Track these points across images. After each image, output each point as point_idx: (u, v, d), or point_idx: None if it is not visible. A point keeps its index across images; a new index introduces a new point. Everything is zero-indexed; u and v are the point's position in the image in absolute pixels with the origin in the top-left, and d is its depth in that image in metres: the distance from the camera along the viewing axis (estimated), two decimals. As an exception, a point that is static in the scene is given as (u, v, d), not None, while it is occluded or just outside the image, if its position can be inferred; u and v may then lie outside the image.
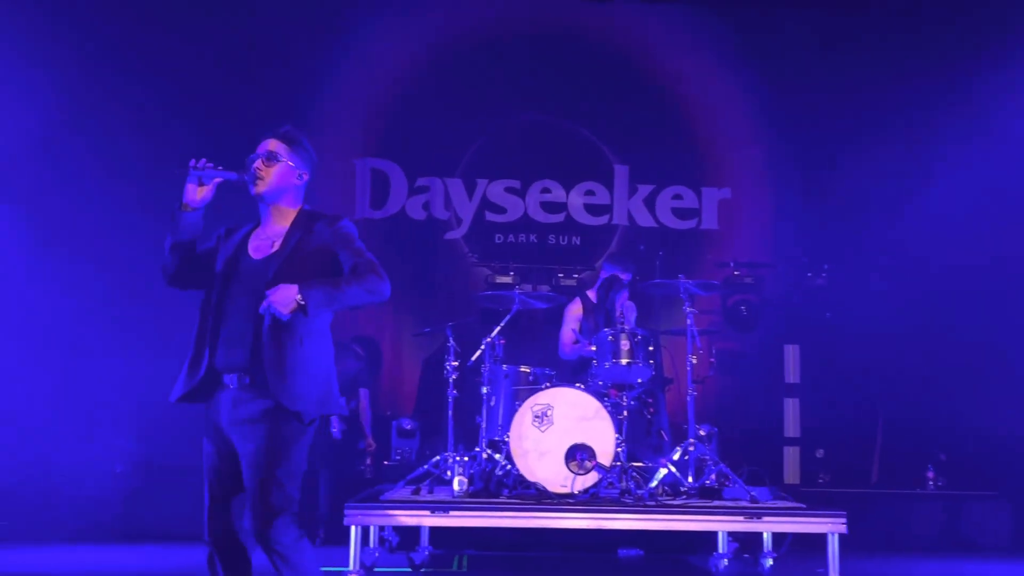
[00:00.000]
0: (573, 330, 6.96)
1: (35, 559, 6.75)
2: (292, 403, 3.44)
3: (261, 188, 3.68)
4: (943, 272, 8.54)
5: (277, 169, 3.69)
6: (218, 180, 3.63)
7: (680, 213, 9.45)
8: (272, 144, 3.73)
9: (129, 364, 7.93)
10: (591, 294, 7.17)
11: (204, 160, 3.62)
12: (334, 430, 7.41)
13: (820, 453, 8.66)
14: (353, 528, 5.20)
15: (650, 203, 9.44)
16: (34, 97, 8.01)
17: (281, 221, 3.70)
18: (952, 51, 8.78)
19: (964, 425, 8.25)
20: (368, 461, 7.89)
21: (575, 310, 7.13)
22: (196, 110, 8.46)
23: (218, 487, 3.54)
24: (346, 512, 5.20)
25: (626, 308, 6.78)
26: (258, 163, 3.68)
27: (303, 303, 3.39)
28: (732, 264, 8.92)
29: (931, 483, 8.20)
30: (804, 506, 5.61)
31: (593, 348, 6.24)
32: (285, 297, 3.39)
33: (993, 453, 8.16)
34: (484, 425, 6.23)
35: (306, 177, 3.77)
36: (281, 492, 3.42)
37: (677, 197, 9.46)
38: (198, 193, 3.64)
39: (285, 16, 8.92)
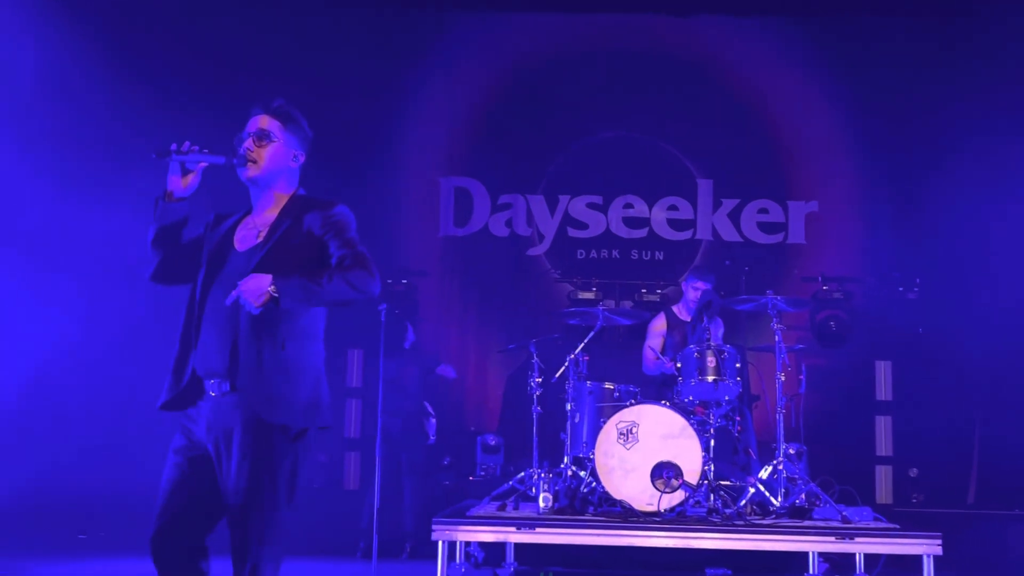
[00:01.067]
0: (651, 347, 6.93)
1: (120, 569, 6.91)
2: (271, 414, 3.04)
3: (253, 172, 3.26)
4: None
5: (270, 150, 3.27)
6: (203, 165, 3.21)
7: (766, 227, 9.33)
8: (263, 121, 3.30)
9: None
10: (676, 309, 7.13)
11: (188, 143, 3.20)
12: (432, 437, 7.48)
13: (914, 472, 8.43)
14: (440, 543, 5.25)
15: (735, 217, 9.34)
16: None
17: (273, 208, 3.30)
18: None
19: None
20: (446, 461, 7.94)
21: (659, 326, 7.10)
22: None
23: (186, 504, 3.07)
24: (434, 527, 5.25)
25: (713, 324, 6.72)
26: (248, 143, 3.26)
27: (275, 295, 2.98)
28: (820, 279, 8.75)
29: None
30: (898, 527, 5.48)
31: (678, 365, 6.20)
32: (256, 288, 2.98)
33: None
34: (568, 442, 6.24)
35: (302, 158, 3.37)
36: (262, 521, 3.01)
37: (763, 211, 9.35)
38: (183, 181, 3.22)
39: (371, 37, 9.10)
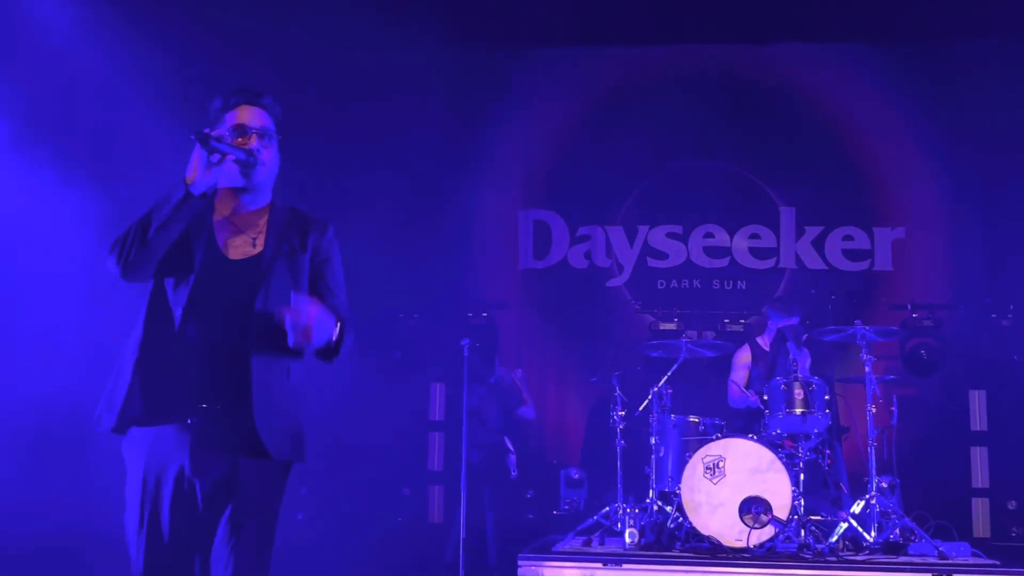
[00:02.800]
0: (735, 381, 6.85)
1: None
2: (277, 447, 2.78)
3: (261, 175, 2.90)
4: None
5: (272, 149, 2.93)
6: (230, 158, 2.81)
7: (851, 254, 9.16)
8: (259, 116, 2.93)
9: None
10: (760, 341, 7.03)
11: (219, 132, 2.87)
12: (513, 472, 7.49)
13: (1012, 505, 8.12)
14: (526, 579, 5.25)
15: (819, 245, 9.19)
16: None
17: (261, 213, 2.94)
18: None
19: None
20: (529, 493, 7.93)
21: (743, 357, 7.01)
22: (361, 169, 8.84)
23: (167, 550, 2.73)
24: (520, 563, 5.26)
25: (800, 355, 6.61)
26: (255, 142, 2.88)
27: (335, 339, 2.77)
28: (909, 306, 8.54)
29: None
30: (998, 563, 5.33)
31: (764, 398, 6.11)
32: (327, 323, 2.70)
33: None
34: (653, 476, 6.20)
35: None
36: (253, 560, 2.79)
37: (848, 238, 9.17)
38: (207, 169, 2.76)
39: (451, 74, 9.23)
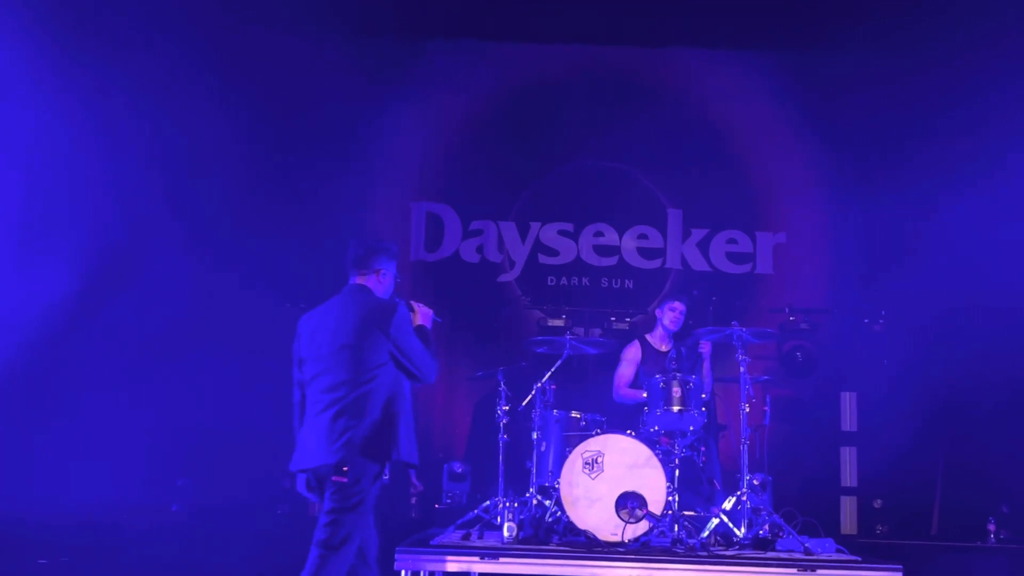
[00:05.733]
0: (620, 375, 6.93)
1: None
2: None
3: None
4: (1006, 318, 8.35)
5: None
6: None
7: (734, 257, 9.41)
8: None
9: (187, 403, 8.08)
10: (650, 338, 7.12)
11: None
12: (385, 478, 7.43)
13: (878, 503, 8.47)
14: (403, 572, 5.23)
15: (704, 247, 9.41)
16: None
17: None
18: (1007, 91, 8.61)
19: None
20: (412, 501, 7.91)
21: (632, 353, 7.07)
22: (252, 153, 8.68)
23: None
24: (397, 556, 5.23)
25: (704, 349, 6.76)
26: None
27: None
28: (787, 310, 8.83)
29: (993, 536, 7.97)
30: (859, 559, 5.53)
31: (644, 394, 6.22)
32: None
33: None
34: (534, 471, 6.24)
35: None
36: None
37: (732, 241, 9.42)
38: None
39: (347, 63, 9.11)
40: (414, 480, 7.73)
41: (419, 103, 9.47)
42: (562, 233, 9.48)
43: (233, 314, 8.47)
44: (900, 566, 5.16)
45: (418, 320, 4.49)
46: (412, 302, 4.56)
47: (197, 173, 8.62)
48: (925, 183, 8.78)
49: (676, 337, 7.00)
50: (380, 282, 4.47)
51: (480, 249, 9.44)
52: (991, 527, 7.99)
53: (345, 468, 4.03)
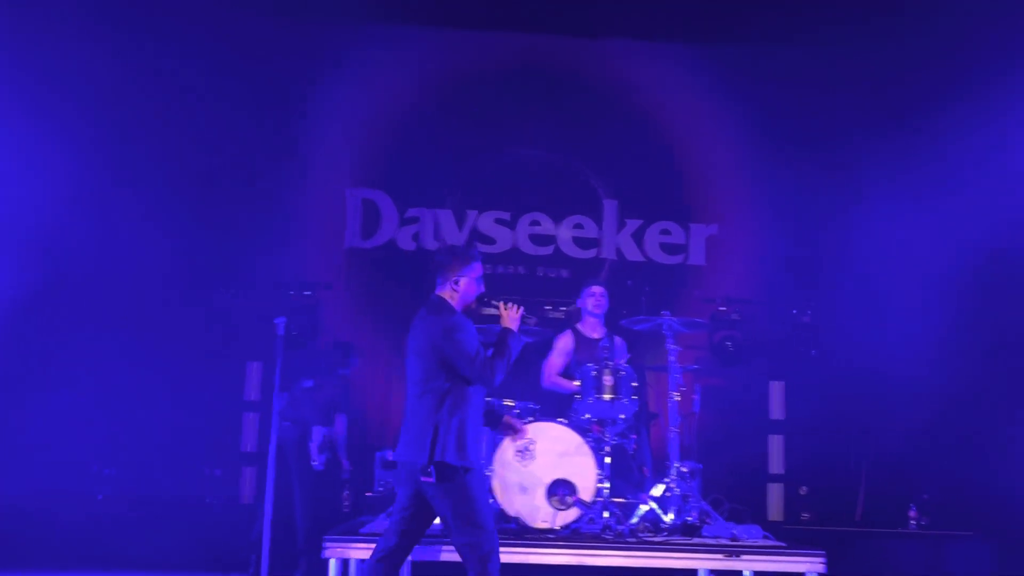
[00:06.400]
0: (549, 363, 6.95)
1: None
2: None
3: None
4: (931, 309, 8.57)
5: None
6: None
7: (668, 248, 9.51)
8: None
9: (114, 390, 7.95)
10: (581, 328, 7.15)
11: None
12: (315, 463, 7.40)
13: (804, 490, 8.65)
14: (332, 561, 5.19)
15: (638, 238, 9.50)
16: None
17: None
18: (935, 85, 8.82)
19: (947, 464, 8.27)
20: (346, 492, 7.87)
21: (564, 343, 7.10)
22: (188, 133, 8.55)
23: None
24: (325, 544, 5.19)
25: (617, 343, 6.81)
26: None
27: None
28: (719, 300, 8.96)
29: (913, 522, 8.20)
30: (784, 545, 5.62)
31: (576, 383, 6.26)
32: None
33: (974, 492, 8.17)
34: (468, 458, 6.22)
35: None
36: None
37: (665, 232, 9.52)
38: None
39: (282, 45, 9.01)
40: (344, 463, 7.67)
41: (356, 89, 9.39)
42: (499, 222, 9.49)
43: (162, 302, 8.34)
44: (823, 552, 5.27)
45: (505, 322, 4.81)
46: (502, 304, 4.85)
47: (127, 157, 8.46)
48: (855, 176, 8.98)
49: (608, 324, 7.05)
50: (456, 291, 4.75)
51: (416, 237, 9.41)
52: (912, 514, 8.22)
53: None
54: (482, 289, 4.82)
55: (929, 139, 8.75)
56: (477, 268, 4.81)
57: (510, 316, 4.86)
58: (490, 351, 4.68)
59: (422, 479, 4.43)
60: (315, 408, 7.43)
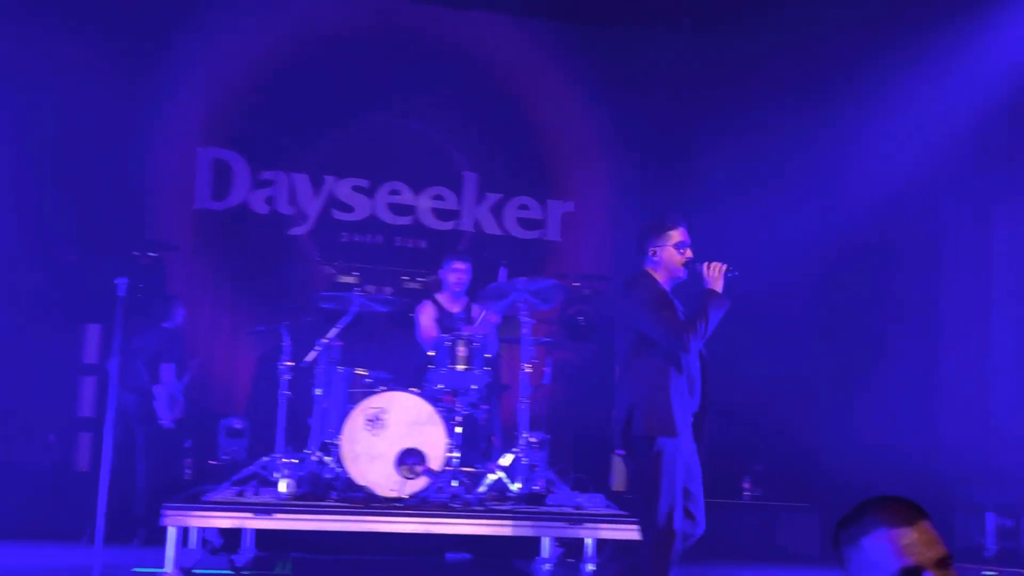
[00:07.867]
0: (424, 327, 6.94)
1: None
2: None
3: None
4: (769, 293, 8.90)
5: None
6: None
7: (526, 223, 9.61)
8: None
9: None
10: (441, 299, 7.17)
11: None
12: (163, 421, 7.18)
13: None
14: (170, 529, 5.06)
15: (497, 211, 9.56)
16: None
17: None
18: (797, 56, 9.14)
19: (780, 439, 8.69)
20: (188, 460, 7.69)
21: (428, 310, 7.09)
22: (32, 85, 8.10)
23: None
24: (163, 513, 5.06)
25: (487, 315, 6.85)
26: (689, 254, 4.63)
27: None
28: (572, 276, 9.11)
29: (747, 493, 8.60)
30: (626, 513, 5.80)
31: (431, 353, 6.28)
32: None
33: (805, 464, 8.62)
34: (316, 427, 6.18)
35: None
36: None
37: (523, 207, 9.62)
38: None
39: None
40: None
41: (211, 47, 8.99)
42: (357, 189, 9.36)
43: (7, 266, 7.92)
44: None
45: (710, 283, 4.54)
46: (706, 265, 4.55)
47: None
48: (708, 158, 9.26)
49: (468, 296, 7.08)
50: (657, 262, 4.61)
51: (270, 200, 9.18)
52: (746, 485, 8.61)
53: None
54: (688, 255, 4.62)
55: (773, 127, 9.10)
56: (673, 236, 4.62)
57: (712, 276, 4.56)
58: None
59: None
60: (148, 367, 7.22)
